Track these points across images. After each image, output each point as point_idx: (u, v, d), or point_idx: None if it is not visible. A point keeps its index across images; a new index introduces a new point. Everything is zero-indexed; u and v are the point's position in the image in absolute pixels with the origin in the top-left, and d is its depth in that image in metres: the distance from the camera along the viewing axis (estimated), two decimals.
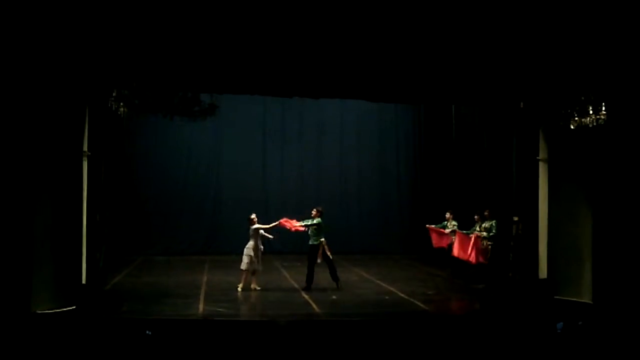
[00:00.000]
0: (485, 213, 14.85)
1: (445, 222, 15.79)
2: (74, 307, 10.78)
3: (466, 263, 15.01)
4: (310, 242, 13.83)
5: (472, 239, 14.78)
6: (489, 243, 14.55)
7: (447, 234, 15.55)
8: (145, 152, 19.42)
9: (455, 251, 15.07)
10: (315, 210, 13.96)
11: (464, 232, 15.24)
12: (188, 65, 11.25)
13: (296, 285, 14.20)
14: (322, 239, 13.74)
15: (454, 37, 11.38)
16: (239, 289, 13.24)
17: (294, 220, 13.97)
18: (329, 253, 13.71)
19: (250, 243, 13.35)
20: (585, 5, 10.95)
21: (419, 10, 10.92)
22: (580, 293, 12.22)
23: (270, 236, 13.87)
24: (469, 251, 14.71)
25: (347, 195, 20.86)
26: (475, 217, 15.11)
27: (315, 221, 13.74)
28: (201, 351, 8.52)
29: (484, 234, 14.68)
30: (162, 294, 12.95)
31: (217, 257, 18.20)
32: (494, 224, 14.53)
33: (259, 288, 13.43)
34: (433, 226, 16.02)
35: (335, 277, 13.84)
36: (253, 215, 13.62)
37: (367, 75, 11.98)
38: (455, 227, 15.47)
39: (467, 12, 11.01)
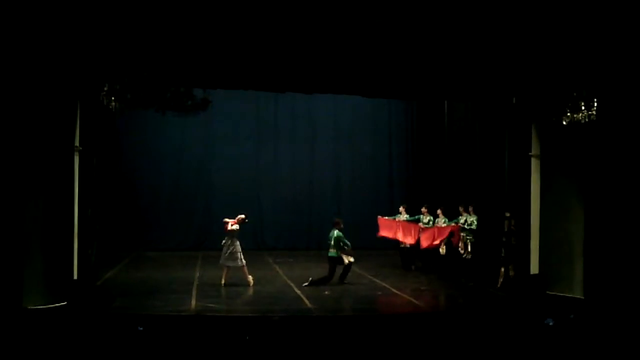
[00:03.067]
0: (470, 208, 15.10)
1: (420, 216, 16.20)
2: (66, 302, 10.74)
3: (413, 254, 16.05)
4: (331, 255, 13.91)
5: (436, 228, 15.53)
6: (469, 238, 14.79)
7: (395, 223, 16.37)
8: (138, 147, 19.33)
9: (424, 242, 15.56)
10: (337, 219, 14.27)
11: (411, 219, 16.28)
12: (180, 60, 11.21)
13: (288, 281, 14.19)
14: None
15: (447, 32, 11.38)
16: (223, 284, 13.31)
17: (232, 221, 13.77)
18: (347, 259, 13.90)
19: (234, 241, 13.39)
20: (577, 2, 10.97)
21: (412, 6, 10.91)
22: (571, 288, 12.27)
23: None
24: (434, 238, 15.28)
25: (340, 191, 20.86)
26: (460, 208, 15.48)
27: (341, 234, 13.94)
28: (193, 347, 8.51)
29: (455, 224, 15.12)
30: (154, 289, 12.92)
31: (210, 252, 18.14)
32: (474, 220, 14.78)
33: (251, 282, 13.43)
34: (385, 218, 16.71)
35: (343, 278, 13.94)
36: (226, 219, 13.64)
37: (360, 71, 11.97)
38: (431, 222, 15.96)
39: (460, 8, 11.01)
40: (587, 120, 11.28)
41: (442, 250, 15.25)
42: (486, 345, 8.79)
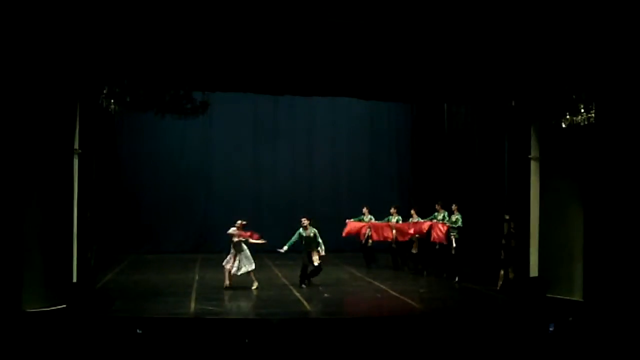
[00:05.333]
0: (453, 207, 15.34)
1: (390, 217, 16.68)
2: (65, 305, 10.74)
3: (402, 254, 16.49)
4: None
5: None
6: (454, 235, 15.05)
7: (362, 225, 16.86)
8: (137, 149, 19.32)
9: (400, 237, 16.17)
10: (307, 219, 13.98)
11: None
12: (180, 63, 11.21)
13: (288, 283, 14.18)
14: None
15: (447, 35, 11.39)
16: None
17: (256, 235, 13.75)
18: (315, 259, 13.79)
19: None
20: (577, 5, 10.98)
21: (411, 9, 10.92)
22: (571, 291, 12.27)
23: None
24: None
25: (339, 193, 20.83)
26: (437, 205, 15.85)
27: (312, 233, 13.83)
28: (192, 350, 8.50)
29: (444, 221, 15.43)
30: (153, 292, 12.91)
31: (209, 255, 18.14)
32: (459, 218, 15.07)
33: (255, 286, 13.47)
34: (352, 220, 17.14)
35: (303, 278, 13.81)
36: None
37: (359, 74, 11.97)
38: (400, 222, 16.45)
39: (459, 11, 11.01)
40: (586, 122, 11.31)
41: (415, 249, 16.00)
42: (485, 347, 8.78)
